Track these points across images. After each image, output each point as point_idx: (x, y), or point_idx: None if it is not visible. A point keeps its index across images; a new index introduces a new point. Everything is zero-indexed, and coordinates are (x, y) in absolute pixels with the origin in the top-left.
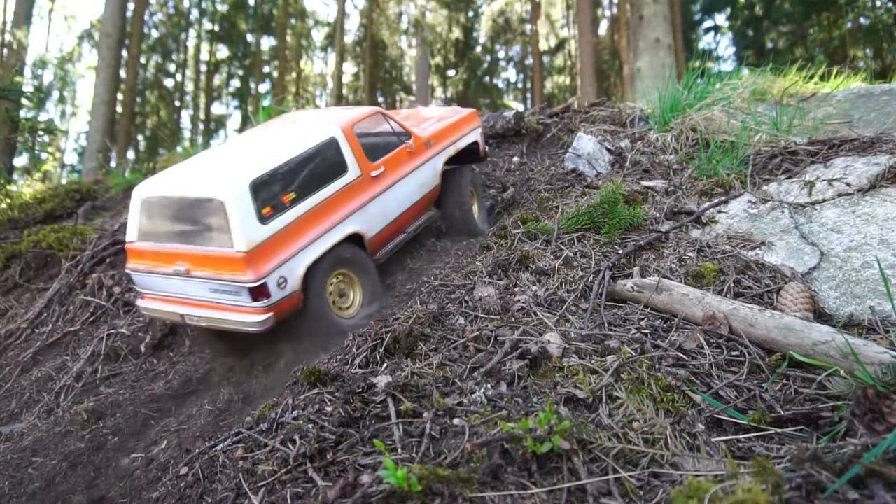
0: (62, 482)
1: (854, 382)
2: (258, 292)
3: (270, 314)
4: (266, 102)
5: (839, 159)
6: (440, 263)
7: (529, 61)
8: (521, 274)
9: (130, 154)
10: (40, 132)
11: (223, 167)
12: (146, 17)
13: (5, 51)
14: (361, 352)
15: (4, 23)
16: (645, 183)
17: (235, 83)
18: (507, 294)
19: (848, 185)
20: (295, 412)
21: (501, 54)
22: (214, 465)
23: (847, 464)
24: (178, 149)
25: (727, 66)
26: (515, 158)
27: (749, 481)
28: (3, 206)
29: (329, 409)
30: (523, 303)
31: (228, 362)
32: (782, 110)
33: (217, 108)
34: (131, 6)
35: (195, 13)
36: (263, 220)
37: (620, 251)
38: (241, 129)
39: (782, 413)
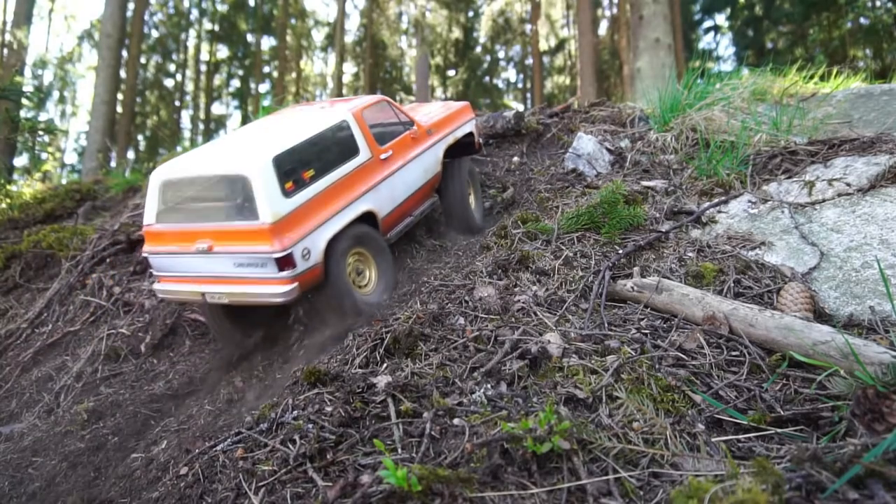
0: (62, 482)
1: (854, 382)
2: (284, 262)
3: (296, 284)
4: (266, 102)
5: (839, 159)
6: (440, 263)
7: (529, 61)
8: (521, 274)
9: (130, 154)
10: (40, 132)
11: (244, 147)
12: (146, 17)
13: (5, 51)
14: (361, 352)
15: (4, 23)
16: (645, 183)
17: (235, 83)
18: (507, 294)
19: (848, 185)
20: (295, 412)
21: (501, 54)
22: (214, 465)
23: (847, 464)
24: (178, 149)
25: (727, 66)
26: (515, 158)
27: (749, 481)
28: (3, 206)
29: (329, 409)
30: (523, 303)
31: (228, 359)
32: (782, 110)
33: (217, 108)
34: (131, 6)
35: (195, 13)
36: (287, 194)
37: (620, 251)
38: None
39: (782, 413)
